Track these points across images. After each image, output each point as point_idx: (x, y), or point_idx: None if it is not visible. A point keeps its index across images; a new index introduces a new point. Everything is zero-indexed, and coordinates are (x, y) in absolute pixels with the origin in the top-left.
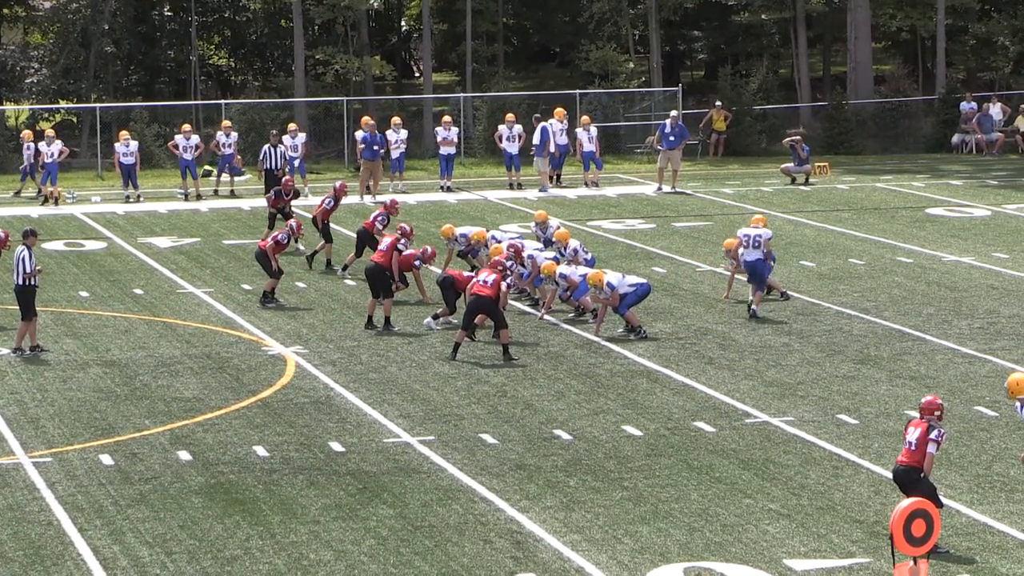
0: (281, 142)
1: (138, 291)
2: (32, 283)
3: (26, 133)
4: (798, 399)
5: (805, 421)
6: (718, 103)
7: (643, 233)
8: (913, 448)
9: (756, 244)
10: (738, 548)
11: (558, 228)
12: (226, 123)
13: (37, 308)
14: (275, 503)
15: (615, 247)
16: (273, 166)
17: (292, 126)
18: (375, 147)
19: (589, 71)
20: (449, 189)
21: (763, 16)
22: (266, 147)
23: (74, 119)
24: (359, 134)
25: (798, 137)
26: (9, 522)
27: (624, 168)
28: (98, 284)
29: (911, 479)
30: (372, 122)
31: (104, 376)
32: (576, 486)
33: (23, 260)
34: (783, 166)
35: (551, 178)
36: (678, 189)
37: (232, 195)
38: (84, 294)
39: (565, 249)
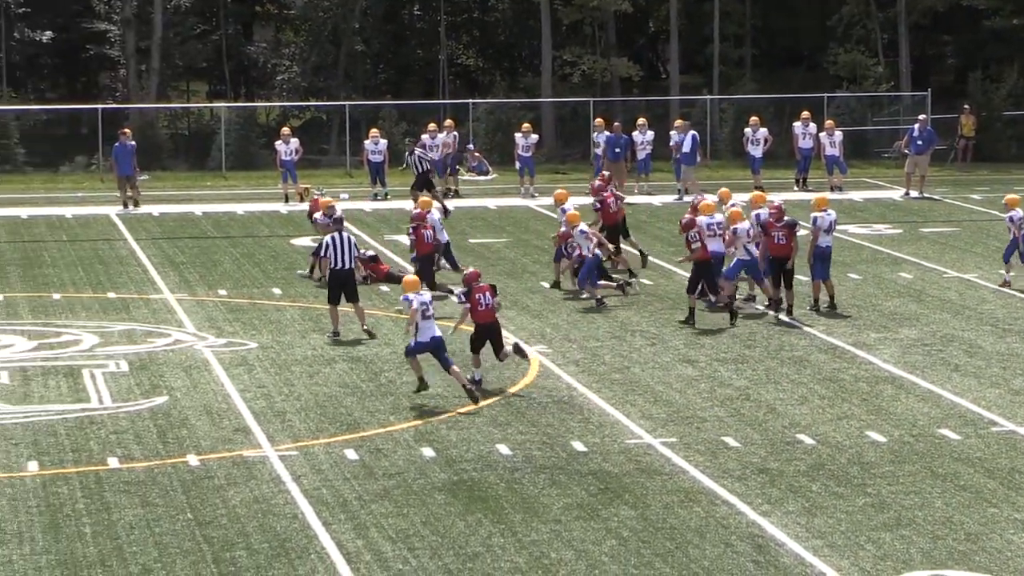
0: (423, 145)
1: (384, 288)
2: (352, 267)
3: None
4: None
5: None
6: (967, 107)
7: (890, 238)
8: (493, 308)
9: (829, 229)
10: (982, 557)
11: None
12: (433, 126)
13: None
14: (517, 501)
15: (861, 251)
16: (423, 168)
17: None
18: (616, 149)
19: (837, 74)
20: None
21: (1014, 21)
22: (417, 151)
23: (323, 117)
24: (599, 137)
25: None
26: (256, 514)
27: (871, 172)
28: None
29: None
30: (617, 124)
31: (350, 371)
32: (819, 491)
33: (354, 244)
34: None
35: (798, 181)
36: (926, 194)
37: (458, 194)
38: None
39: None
